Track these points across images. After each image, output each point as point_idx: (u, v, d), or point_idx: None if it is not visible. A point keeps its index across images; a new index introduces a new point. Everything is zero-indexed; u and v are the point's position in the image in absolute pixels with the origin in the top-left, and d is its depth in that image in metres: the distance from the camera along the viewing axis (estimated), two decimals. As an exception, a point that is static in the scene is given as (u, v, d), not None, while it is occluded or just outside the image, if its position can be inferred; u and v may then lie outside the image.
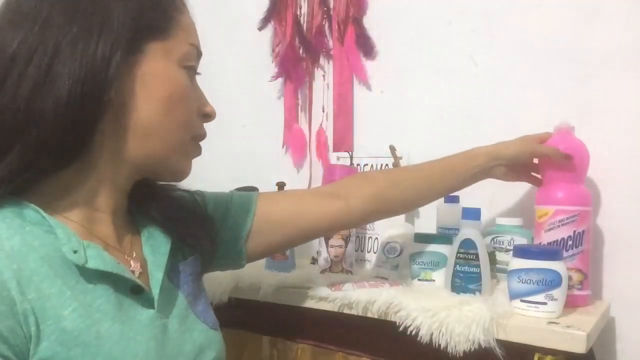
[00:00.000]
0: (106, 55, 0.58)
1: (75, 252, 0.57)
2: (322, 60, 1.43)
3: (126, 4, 0.61)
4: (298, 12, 1.44)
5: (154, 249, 0.69)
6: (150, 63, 0.64)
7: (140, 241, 0.70)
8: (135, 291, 0.63)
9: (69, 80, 0.57)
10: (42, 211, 0.58)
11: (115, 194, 0.66)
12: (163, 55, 0.65)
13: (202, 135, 0.73)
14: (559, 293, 0.85)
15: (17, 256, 0.54)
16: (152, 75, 0.64)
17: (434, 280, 1.02)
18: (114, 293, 0.60)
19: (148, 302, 0.64)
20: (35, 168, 0.57)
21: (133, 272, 0.65)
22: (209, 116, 0.73)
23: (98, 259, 0.59)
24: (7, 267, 0.52)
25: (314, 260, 1.25)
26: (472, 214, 0.95)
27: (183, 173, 0.72)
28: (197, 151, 0.73)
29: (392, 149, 1.24)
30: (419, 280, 1.03)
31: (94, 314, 0.57)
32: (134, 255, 0.68)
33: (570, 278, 0.92)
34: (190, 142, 0.71)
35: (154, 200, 0.74)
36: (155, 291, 0.65)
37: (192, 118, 0.70)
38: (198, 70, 0.73)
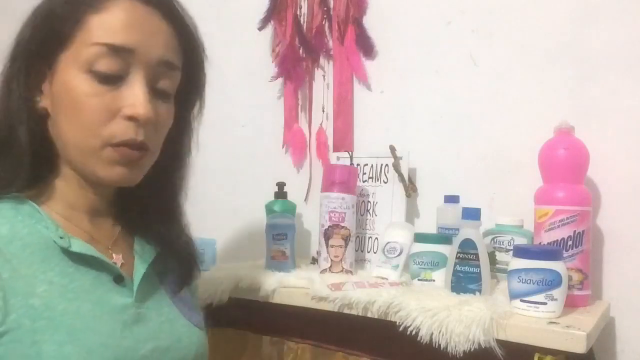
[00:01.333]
0: (16, 76, 0.68)
1: (61, 238, 0.65)
2: (322, 60, 1.43)
3: (33, 24, 0.68)
4: (298, 12, 1.44)
5: (144, 248, 0.76)
6: (61, 74, 0.67)
7: (133, 241, 0.77)
8: (118, 281, 0.69)
9: (11, 100, 0.68)
10: (36, 206, 0.67)
11: (90, 197, 0.72)
12: (70, 64, 0.66)
13: (123, 142, 0.67)
14: (559, 293, 0.85)
15: (1, 240, 0.62)
16: (60, 86, 0.67)
17: (434, 280, 1.02)
18: (94, 278, 0.67)
19: (128, 292, 0.69)
20: (31, 175, 0.67)
21: (115, 263, 0.71)
22: (132, 118, 0.67)
23: (81, 245, 0.67)
24: None
25: (314, 260, 1.25)
26: (472, 214, 0.95)
27: (110, 181, 0.69)
28: (121, 157, 0.67)
29: (392, 149, 1.24)
30: (419, 280, 1.03)
31: (67, 293, 0.63)
32: (118, 250, 0.74)
33: (570, 278, 0.92)
34: (104, 149, 0.67)
35: (151, 210, 0.78)
36: (136, 282, 0.71)
37: (98, 124, 0.66)
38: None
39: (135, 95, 0.67)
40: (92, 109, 0.66)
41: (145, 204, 0.78)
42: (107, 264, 0.68)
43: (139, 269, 0.72)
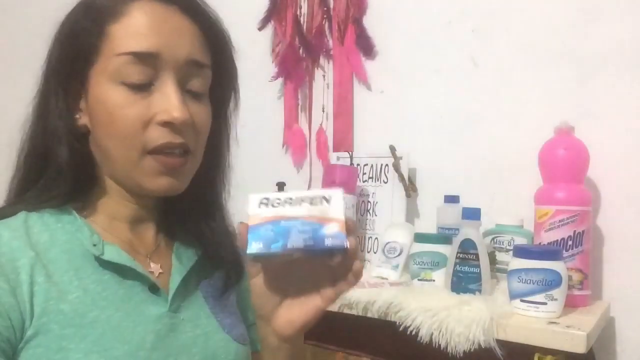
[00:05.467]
0: (53, 97, 0.67)
1: (94, 245, 0.65)
2: (322, 60, 1.43)
3: (59, 41, 0.68)
4: (298, 12, 1.44)
5: (181, 257, 0.73)
6: (93, 89, 0.66)
7: (172, 250, 0.74)
8: (153, 290, 0.67)
9: (49, 120, 0.68)
10: (77, 214, 0.67)
11: (131, 207, 0.71)
12: (100, 77, 0.65)
13: (160, 146, 0.65)
14: (559, 293, 0.85)
15: (40, 246, 0.63)
16: (94, 101, 0.66)
17: (434, 280, 1.02)
18: (129, 287, 0.65)
19: (163, 302, 0.67)
20: (72, 190, 0.68)
21: (152, 272, 0.69)
22: (167, 124, 0.65)
23: (114, 253, 0.66)
24: (25, 254, 0.61)
25: (314, 260, 1.25)
26: (472, 214, 0.95)
27: (157, 192, 0.68)
28: (163, 166, 0.66)
29: (392, 149, 1.24)
30: (419, 280, 1.03)
31: (100, 301, 0.62)
32: (157, 259, 0.72)
33: (570, 278, 0.92)
34: (142, 158, 0.65)
35: (193, 213, 0.76)
36: (171, 292, 0.68)
37: (134, 134, 0.64)
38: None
39: (167, 100, 0.65)
40: (126, 119, 0.64)
41: (187, 207, 0.75)
42: (140, 273, 0.66)
43: (175, 278, 0.70)
